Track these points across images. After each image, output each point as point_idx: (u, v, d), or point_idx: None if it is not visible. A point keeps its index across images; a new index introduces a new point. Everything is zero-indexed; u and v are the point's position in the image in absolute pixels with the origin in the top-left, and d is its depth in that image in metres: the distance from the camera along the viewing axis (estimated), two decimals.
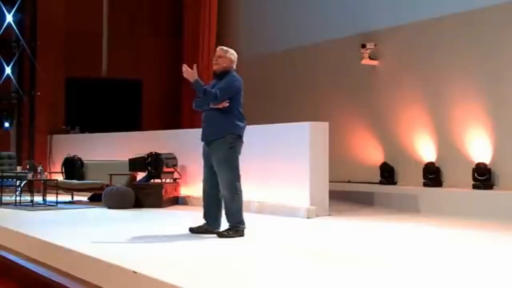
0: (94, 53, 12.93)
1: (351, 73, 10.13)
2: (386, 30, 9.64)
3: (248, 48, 12.45)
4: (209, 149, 5.58)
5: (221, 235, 5.44)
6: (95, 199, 9.36)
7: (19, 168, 10.67)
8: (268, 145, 8.23)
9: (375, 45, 9.70)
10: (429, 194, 8.29)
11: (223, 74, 5.64)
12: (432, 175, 8.57)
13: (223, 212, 5.62)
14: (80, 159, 10.08)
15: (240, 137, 5.61)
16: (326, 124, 7.80)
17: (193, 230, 5.63)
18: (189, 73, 5.51)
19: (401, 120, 9.36)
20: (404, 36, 9.44)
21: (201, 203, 8.51)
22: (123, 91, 12.99)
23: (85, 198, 9.83)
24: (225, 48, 5.76)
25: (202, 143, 5.70)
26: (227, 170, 5.47)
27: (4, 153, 10.81)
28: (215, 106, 5.53)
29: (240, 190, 5.54)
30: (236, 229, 5.48)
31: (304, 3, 11.11)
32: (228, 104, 5.54)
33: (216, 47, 12.71)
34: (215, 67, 5.71)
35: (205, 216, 5.66)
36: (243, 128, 5.65)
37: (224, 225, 5.62)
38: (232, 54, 5.77)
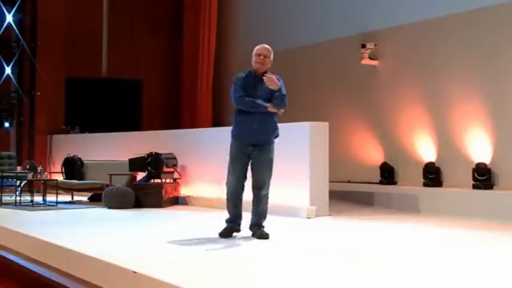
0: (94, 53, 12.94)
1: (351, 73, 10.13)
2: (386, 30, 9.64)
3: (248, 48, 12.42)
4: (256, 150, 5.47)
5: (263, 236, 5.47)
6: (95, 199, 9.36)
7: (19, 168, 10.67)
8: None
9: (375, 45, 9.69)
10: (429, 194, 8.28)
11: (263, 74, 5.47)
12: (432, 175, 8.57)
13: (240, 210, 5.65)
14: (80, 159, 10.08)
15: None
16: (326, 124, 7.80)
17: (225, 235, 5.55)
18: (273, 82, 5.36)
19: (401, 120, 9.36)
20: (404, 36, 9.43)
21: (201, 203, 8.51)
22: (123, 91, 12.98)
23: (85, 198, 9.83)
24: (269, 47, 5.58)
25: (237, 142, 5.55)
26: (270, 172, 5.54)
27: (4, 153, 10.81)
28: (275, 111, 5.47)
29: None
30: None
31: (304, 3, 11.11)
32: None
33: (216, 47, 12.99)
34: (259, 66, 5.50)
35: (236, 218, 5.61)
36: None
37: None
38: (272, 52, 5.63)
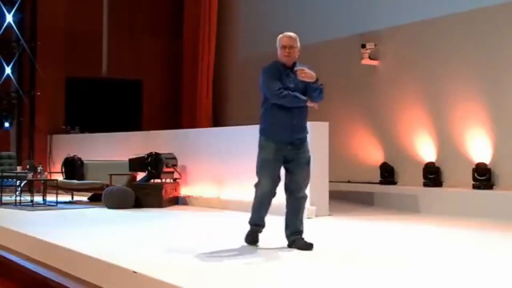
0: (94, 53, 12.94)
1: (351, 73, 10.12)
2: (386, 30, 9.63)
3: (248, 48, 12.48)
4: (294, 150, 4.95)
5: (307, 247, 4.88)
6: (95, 199, 9.36)
7: (19, 168, 10.67)
8: None
9: (375, 45, 9.69)
10: (429, 194, 8.28)
11: (293, 66, 4.99)
12: (432, 175, 8.57)
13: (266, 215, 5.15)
14: (80, 159, 10.08)
15: None
16: (326, 124, 7.80)
17: (254, 241, 5.14)
18: (307, 74, 4.86)
19: (401, 120, 9.36)
20: (404, 36, 9.43)
21: (201, 203, 8.50)
22: (123, 91, 12.99)
23: (85, 198, 9.83)
24: (293, 35, 5.02)
25: (272, 141, 4.96)
26: (308, 172, 5.06)
27: (4, 153, 10.82)
28: (310, 105, 4.99)
29: None
30: None
31: (304, 3, 11.11)
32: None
33: (216, 47, 12.99)
34: (286, 60, 4.97)
35: (263, 222, 5.17)
36: None
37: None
38: (298, 39, 5.07)
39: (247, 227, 5.40)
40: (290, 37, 4.99)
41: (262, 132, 5.02)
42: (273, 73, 4.95)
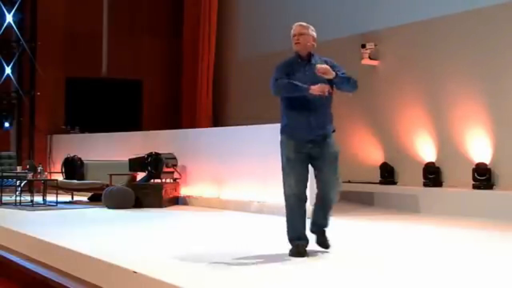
0: (94, 53, 12.94)
1: (351, 73, 10.09)
2: (386, 30, 9.63)
3: (248, 48, 12.48)
4: (316, 147, 4.70)
5: (325, 245, 4.79)
6: (95, 199, 9.36)
7: (19, 168, 10.67)
8: (268, 145, 8.20)
9: (375, 45, 9.69)
10: (429, 194, 8.28)
11: (312, 57, 4.81)
12: (432, 175, 8.57)
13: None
14: (80, 159, 10.08)
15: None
16: None
17: (303, 254, 4.64)
18: (328, 71, 4.62)
19: (401, 120, 9.36)
20: (404, 36, 9.43)
21: (201, 203, 8.49)
22: (123, 91, 12.99)
23: (85, 198, 9.83)
24: (304, 24, 4.86)
25: (291, 139, 4.73)
26: (337, 169, 4.80)
27: (4, 153, 10.82)
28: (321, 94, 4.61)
29: None
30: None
31: (304, 3, 11.11)
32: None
33: (216, 47, 13.00)
34: (299, 48, 4.79)
35: (304, 231, 4.77)
36: None
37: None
38: (313, 29, 4.90)
39: (247, 227, 5.39)
40: (300, 24, 4.84)
41: (281, 131, 4.81)
42: (283, 67, 4.80)
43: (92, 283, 4.28)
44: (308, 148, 4.68)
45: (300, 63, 4.79)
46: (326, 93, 4.62)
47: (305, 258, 4.53)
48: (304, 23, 4.85)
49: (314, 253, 4.75)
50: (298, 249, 4.60)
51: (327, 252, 4.80)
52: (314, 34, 4.88)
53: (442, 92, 8.81)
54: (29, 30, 12.15)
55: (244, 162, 8.44)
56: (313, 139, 4.68)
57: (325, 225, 4.86)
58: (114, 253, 4.56)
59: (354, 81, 4.81)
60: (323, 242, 4.82)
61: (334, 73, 4.64)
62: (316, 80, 4.61)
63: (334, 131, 4.84)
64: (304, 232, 4.69)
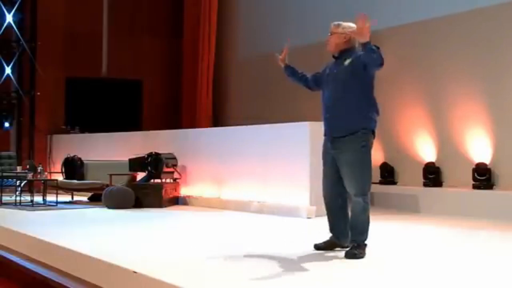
0: (94, 53, 12.94)
1: None
2: (386, 30, 9.62)
3: (248, 48, 12.47)
4: (335, 148, 4.55)
5: (350, 255, 4.48)
6: (95, 199, 9.36)
7: (19, 168, 10.67)
8: (268, 145, 8.23)
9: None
10: (429, 194, 8.28)
11: (345, 54, 4.70)
12: (432, 175, 8.56)
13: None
14: (80, 159, 10.08)
15: (373, 133, 4.54)
16: None
17: (320, 247, 4.76)
18: (365, 30, 4.53)
19: (401, 120, 9.35)
20: (404, 36, 9.43)
21: (201, 203, 8.52)
22: (123, 91, 12.98)
23: (85, 198, 9.83)
24: (334, 22, 4.80)
25: (324, 138, 4.70)
26: (359, 175, 4.51)
27: (4, 153, 10.82)
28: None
29: (369, 200, 4.62)
30: (364, 246, 4.62)
31: (304, 3, 11.11)
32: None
33: (216, 47, 12.99)
34: (328, 48, 4.85)
35: (332, 230, 4.83)
36: (377, 122, 4.57)
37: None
38: (348, 26, 4.79)
39: (247, 227, 5.41)
40: (332, 24, 4.78)
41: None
42: (323, 69, 4.94)
43: (92, 283, 4.28)
44: (329, 148, 4.61)
45: (335, 60, 4.81)
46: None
47: (304, 259, 4.53)
48: (335, 22, 4.80)
49: (314, 253, 4.75)
50: (326, 243, 4.76)
51: (327, 252, 4.80)
52: (346, 30, 4.77)
53: (442, 92, 8.81)
54: (29, 30, 12.15)
55: (244, 162, 8.44)
56: (332, 140, 4.60)
57: (352, 236, 4.66)
58: (114, 253, 4.56)
59: (376, 52, 4.58)
60: (347, 254, 4.58)
61: (367, 36, 4.50)
62: (349, 72, 4.56)
63: (365, 128, 4.48)
64: (333, 228, 4.77)
